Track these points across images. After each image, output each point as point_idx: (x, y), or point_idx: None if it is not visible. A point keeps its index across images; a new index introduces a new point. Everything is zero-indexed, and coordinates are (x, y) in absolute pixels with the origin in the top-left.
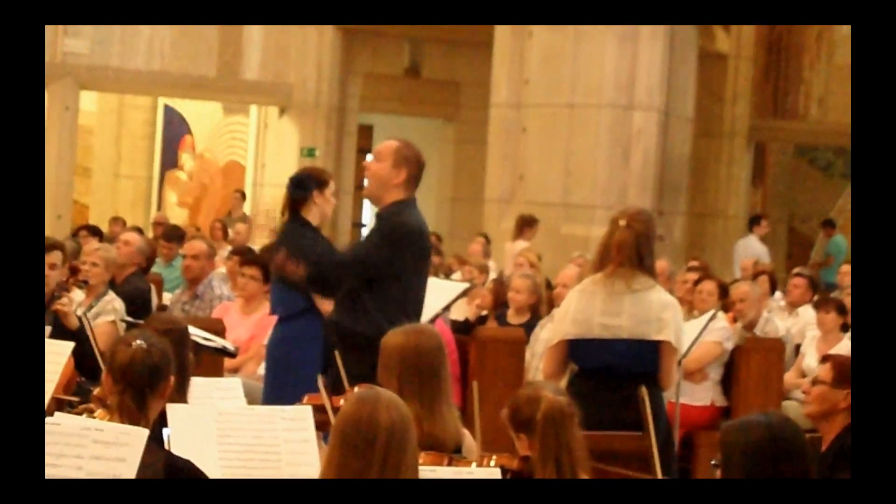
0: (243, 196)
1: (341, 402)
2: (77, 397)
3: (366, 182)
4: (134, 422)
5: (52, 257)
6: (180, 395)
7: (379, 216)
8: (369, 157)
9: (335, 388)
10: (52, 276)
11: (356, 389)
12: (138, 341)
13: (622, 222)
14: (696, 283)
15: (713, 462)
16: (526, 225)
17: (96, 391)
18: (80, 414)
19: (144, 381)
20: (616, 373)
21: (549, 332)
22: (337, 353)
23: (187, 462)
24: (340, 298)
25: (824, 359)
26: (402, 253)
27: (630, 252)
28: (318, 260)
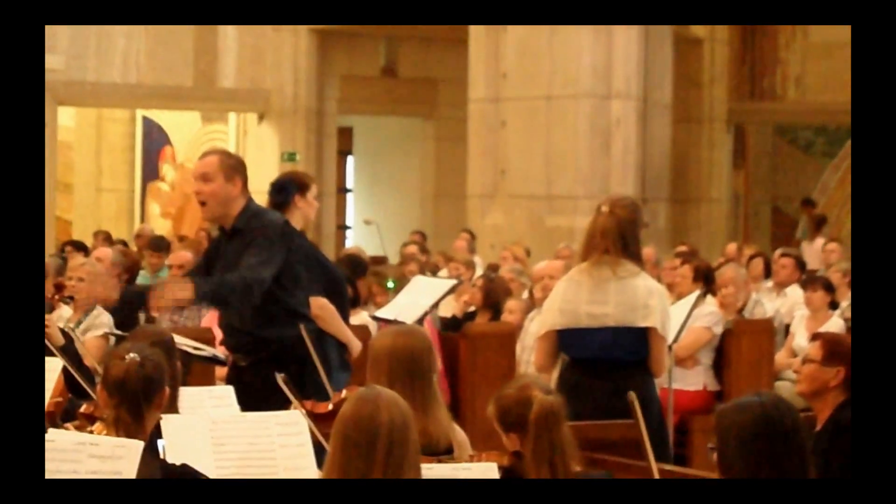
0: None
1: (329, 406)
2: (68, 415)
3: (201, 206)
4: (131, 435)
5: None
6: (171, 405)
7: (240, 230)
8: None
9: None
10: None
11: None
12: (131, 354)
13: (605, 209)
14: None
15: (710, 445)
16: (822, 223)
17: (83, 408)
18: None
19: (139, 393)
20: (605, 361)
21: (538, 325)
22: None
23: (184, 466)
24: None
25: (814, 337)
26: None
27: (614, 239)
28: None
